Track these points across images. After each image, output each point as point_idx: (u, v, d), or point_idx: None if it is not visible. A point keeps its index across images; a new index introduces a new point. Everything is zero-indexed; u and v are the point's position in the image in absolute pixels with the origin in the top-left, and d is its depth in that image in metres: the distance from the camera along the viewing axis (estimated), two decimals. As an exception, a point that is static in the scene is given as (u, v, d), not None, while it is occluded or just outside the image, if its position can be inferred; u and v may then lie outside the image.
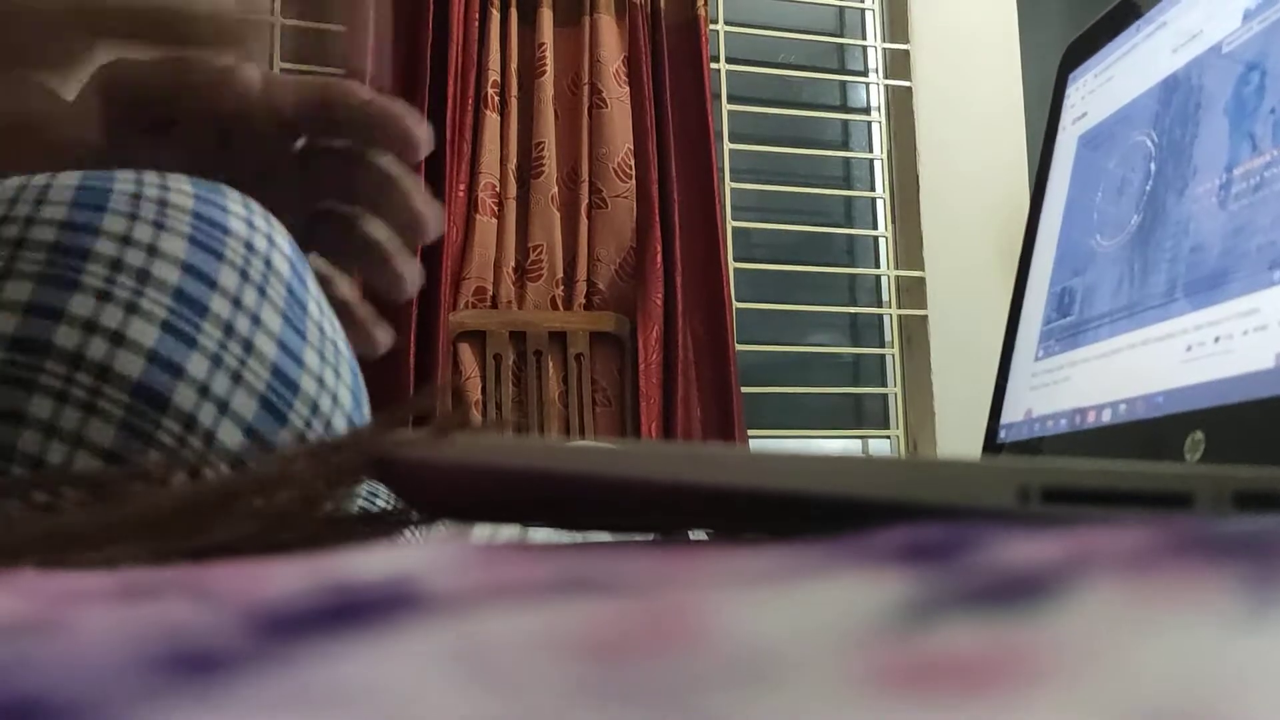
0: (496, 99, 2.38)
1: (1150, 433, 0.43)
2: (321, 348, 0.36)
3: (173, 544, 0.20)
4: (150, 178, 0.36)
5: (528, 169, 2.40)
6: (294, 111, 0.47)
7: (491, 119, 2.37)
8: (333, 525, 0.24)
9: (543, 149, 2.38)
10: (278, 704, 0.09)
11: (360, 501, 0.40)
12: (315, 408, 0.35)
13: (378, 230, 0.53)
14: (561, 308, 2.39)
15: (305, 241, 0.52)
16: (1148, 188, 0.48)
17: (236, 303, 0.34)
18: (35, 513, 0.26)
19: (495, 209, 2.36)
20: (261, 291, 0.35)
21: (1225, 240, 0.41)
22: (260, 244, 0.36)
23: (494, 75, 2.38)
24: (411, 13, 2.34)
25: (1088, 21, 0.58)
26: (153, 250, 0.33)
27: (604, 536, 0.28)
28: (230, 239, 0.35)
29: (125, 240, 0.33)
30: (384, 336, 0.53)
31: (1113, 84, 0.54)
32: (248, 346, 0.34)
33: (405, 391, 2.19)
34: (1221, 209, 0.42)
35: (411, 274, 0.52)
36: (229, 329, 0.34)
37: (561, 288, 2.39)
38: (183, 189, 0.36)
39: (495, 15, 2.40)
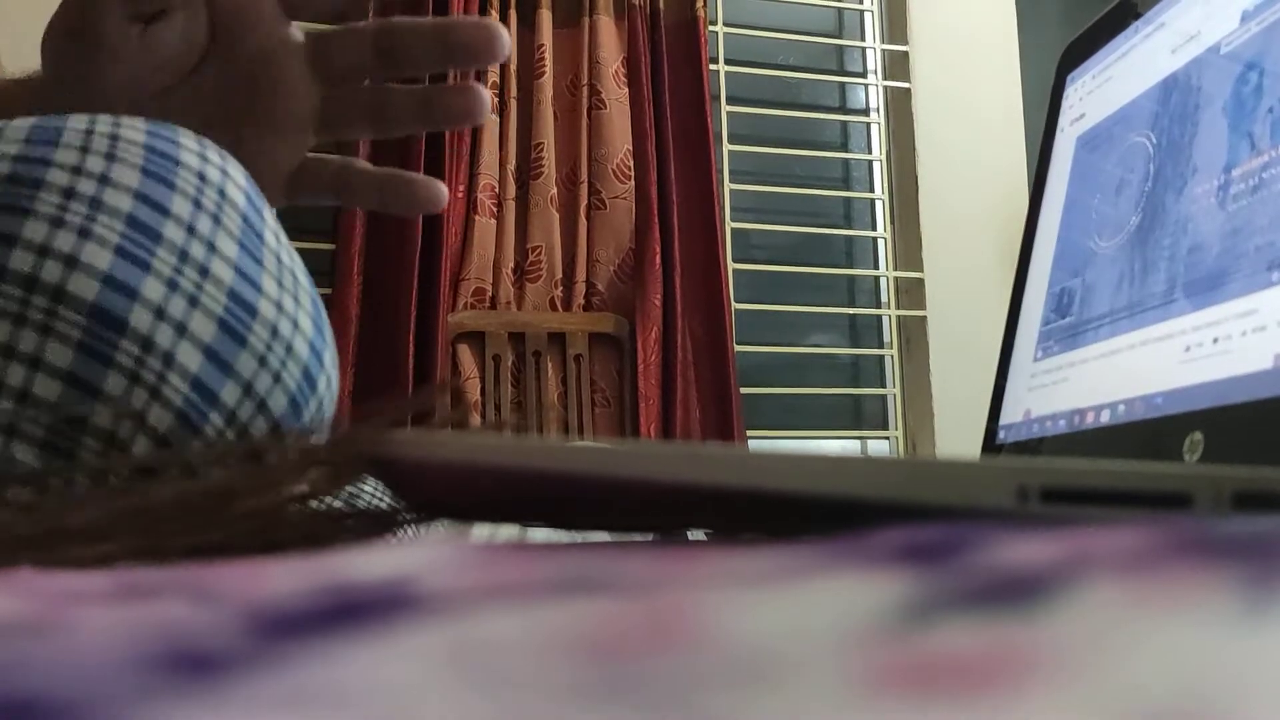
0: (495, 100, 2.38)
1: (1149, 433, 0.43)
2: (279, 275, 0.37)
3: (169, 541, 0.20)
4: (104, 117, 0.36)
5: (527, 170, 2.40)
6: None
7: (491, 120, 2.37)
8: (329, 523, 0.24)
9: (542, 150, 2.38)
10: (276, 704, 0.09)
11: (348, 497, 0.40)
12: (275, 331, 0.36)
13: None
14: (560, 309, 2.39)
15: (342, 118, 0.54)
16: (1146, 188, 0.48)
17: (190, 230, 0.34)
18: (32, 509, 0.26)
19: (494, 210, 2.36)
20: (216, 220, 0.35)
21: (1224, 241, 0.41)
22: (214, 175, 0.36)
23: (493, 76, 2.38)
24: (410, 15, 2.34)
25: (1086, 23, 0.58)
26: (104, 179, 0.34)
27: (603, 537, 0.28)
28: (182, 169, 0.35)
29: (77, 171, 0.34)
30: (439, 188, 0.55)
31: (1111, 85, 0.54)
32: (203, 271, 0.34)
33: (404, 392, 2.19)
34: (1220, 209, 0.42)
35: (483, 96, 0.55)
36: (184, 255, 0.34)
37: (560, 289, 2.39)
38: (135, 125, 0.36)
39: (494, 16, 2.40)
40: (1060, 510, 0.17)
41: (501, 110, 2.39)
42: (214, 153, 0.37)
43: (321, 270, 2.24)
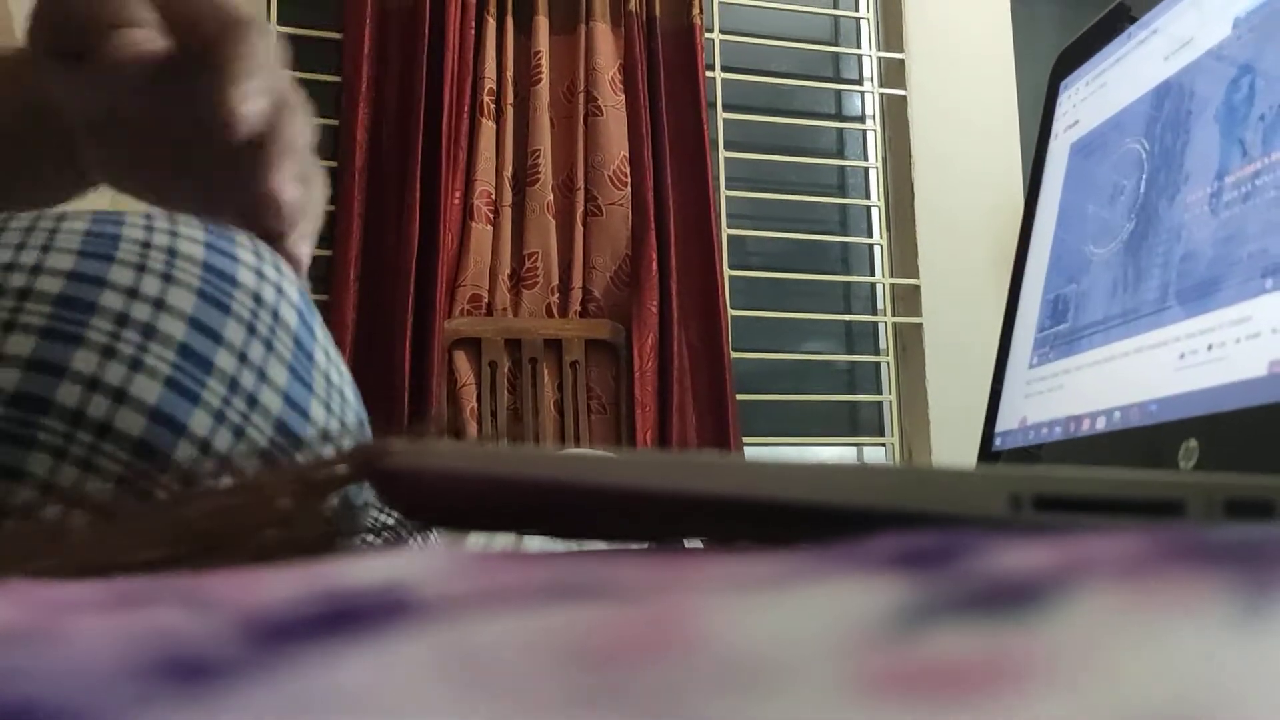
0: (492, 107, 2.38)
1: (1144, 440, 0.43)
2: (328, 399, 0.36)
3: (183, 557, 0.20)
4: (160, 223, 0.35)
5: (523, 176, 2.40)
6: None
7: (487, 126, 2.37)
8: (328, 534, 0.24)
9: (538, 156, 2.39)
10: (271, 712, 0.09)
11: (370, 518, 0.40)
12: None
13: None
14: (557, 315, 2.39)
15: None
16: (1140, 195, 0.48)
17: (242, 358, 0.34)
18: (36, 528, 0.25)
19: (491, 216, 2.36)
20: (268, 345, 0.35)
21: (1217, 247, 0.41)
22: (269, 295, 0.35)
23: (490, 83, 2.38)
24: (407, 21, 2.34)
25: (1081, 29, 0.58)
26: (159, 304, 0.33)
27: (598, 546, 0.28)
28: (238, 291, 0.35)
29: (132, 294, 0.33)
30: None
31: (1105, 91, 0.54)
32: (252, 402, 0.34)
33: (400, 399, 2.19)
34: (1213, 216, 0.42)
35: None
36: (234, 385, 0.33)
37: (557, 295, 2.39)
38: (194, 236, 0.35)
39: (491, 23, 2.40)
40: (1054, 518, 0.17)
41: (498, 117, 2.39)
42: (270, 268, 0.36)
43: (317, 276, 2.24)
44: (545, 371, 2.33)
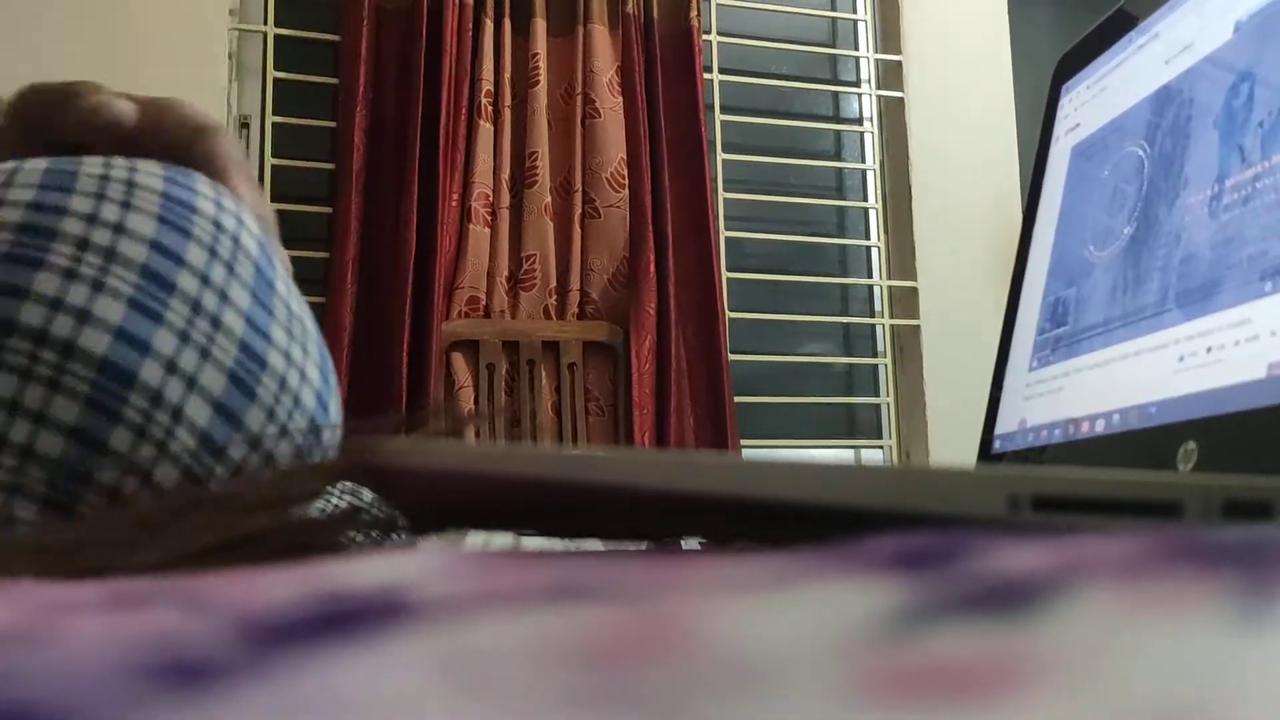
0: (490, 109, 2.38)
1: (1144, 443, 0.43)
2: (289, 325, 0.36)
3: (168, 552, 0.20)
4: (118, 161, 0.36)
5: (521, 178, 2.40)
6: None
7: (485, 129, 2.37)
8: (326, 530, 0.24)
9: (536, 158, 2.39)
10: (269, 713, 0.09)
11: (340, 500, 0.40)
12: (283, 383, 0.35)
13: None
14: (554, 317, 2.39)
15: None
16: (1140, 198, 0.48)
17: (204, 280, 0.34)
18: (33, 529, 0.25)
19: (488, 218, 2.36)
20: (230, 268, 0.35)
21: (1216, 251, 0.41)
22: (229, 223, 0.36)
23: (487, 85, 2.38)
24: (405, 24, 2.34)
25: (1078, 32, 0.58)
26: (120, 229, 0.33)
27: (596, 544, 0.28)
28: (198, 217, 0.35)
29: (92, 219, 0.33)
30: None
31: (1106, 95, 0.54)
32: (215, 322, 0.34)
33: (398, 400, 2.18)
34: (1212, 220, 0.42)
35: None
36: (196, 306, 0.34)
37: (554, 297, 2.39)
38: (152, 171, 0.36)
39: (489, 25, 2.40)
40: (1052, 519, 0.17)
41: (496, 119, 2.39)
42: (229, 200, 0.37)
43: (315, 278, 2.24)
44: (543, 373, 2.33)
